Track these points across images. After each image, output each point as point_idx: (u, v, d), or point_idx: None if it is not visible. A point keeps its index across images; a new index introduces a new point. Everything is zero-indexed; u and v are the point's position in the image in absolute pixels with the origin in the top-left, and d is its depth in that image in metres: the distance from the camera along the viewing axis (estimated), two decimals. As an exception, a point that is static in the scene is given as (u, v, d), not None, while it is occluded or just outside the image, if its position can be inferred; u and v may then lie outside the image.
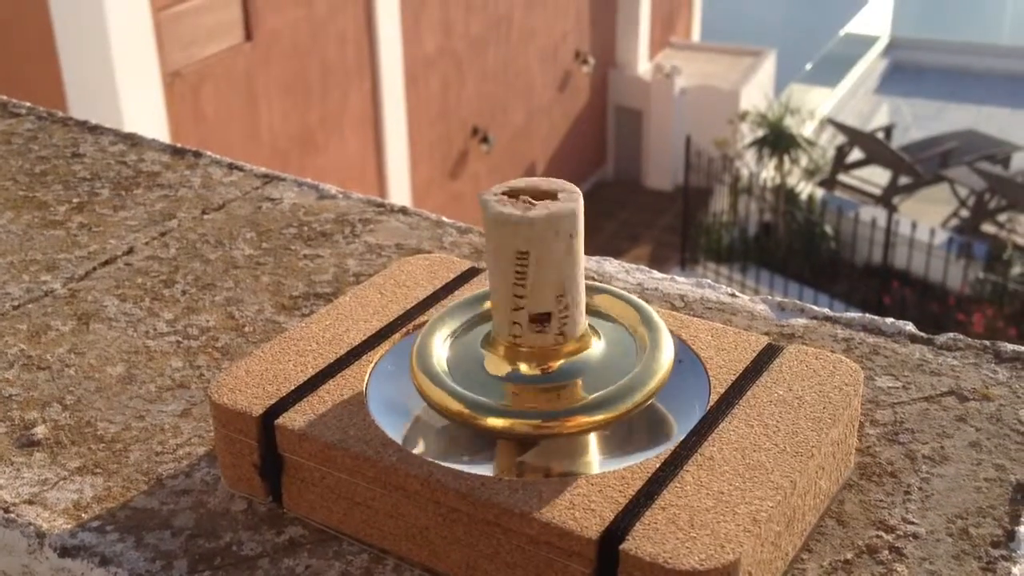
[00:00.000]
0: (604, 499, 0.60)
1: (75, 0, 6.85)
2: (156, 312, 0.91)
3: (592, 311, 0.71)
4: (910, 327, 0.86)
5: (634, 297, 0.73)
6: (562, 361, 0.66)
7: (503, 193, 0.64)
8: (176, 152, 1.21)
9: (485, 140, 11.28)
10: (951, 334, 0.85)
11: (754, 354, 0.72)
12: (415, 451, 0.65)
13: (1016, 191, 10.23)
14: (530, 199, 0.64)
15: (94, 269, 0.98)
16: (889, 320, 0.87)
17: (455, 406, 0.64)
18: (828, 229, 10.12)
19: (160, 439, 0.76)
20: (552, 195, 0.64)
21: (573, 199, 0.64)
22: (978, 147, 11.25)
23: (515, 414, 0.64)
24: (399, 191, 10.04)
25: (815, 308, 0.89)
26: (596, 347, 0.68)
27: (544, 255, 0.63)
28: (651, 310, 0.71)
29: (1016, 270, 9.19)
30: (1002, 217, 10.38)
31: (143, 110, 7.02)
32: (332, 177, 8.76)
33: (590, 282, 0.72)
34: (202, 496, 0.71)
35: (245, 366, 0.72)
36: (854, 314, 0.89)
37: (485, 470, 0.64)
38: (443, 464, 0.63)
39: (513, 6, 11.66)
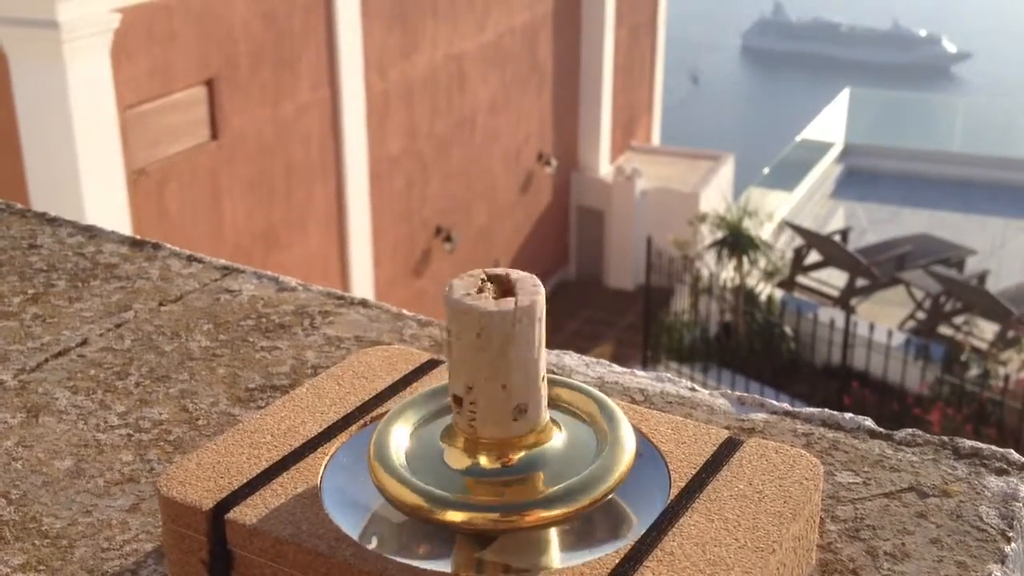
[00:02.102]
0: (563, 596, 0.59)
1: (41, 98, 6.88)
2: (108, 405, 0.90)
3: (554, 403, 0.70)
4: (869, 423, 0.86)
5: (595, 390, 0.72)
6: (522, 453, 0.65)
7: (474, 279, 0.64)
8: (135, 244, 1.20)
9: (448, 239, 11.34)
10: (910, 430, 0.85)
11: (714, 448, 0.72)
12: (370, 547, 0.63)
13: (971, 294, 10.41)
14: (493, 287, 0.64)
15: (46, 361, 0.96)
16: (848, 415, 0.87)
17: (413, 500, 0.63)
18: (787, 330, 10.21)
19: (107, 535, 0.74)
20: (508, 280, 0.64)
21: (501, 303, 0.63)
22: (932, 251, 11.47)
23: (474, 507, 0.63)
24: (362, 288, 10.04)
25: (774, 403, 0.89)
26: (557, 439, 0.67)
27: (460, 340, 0.63)
28: (612, 403, 0.71)
29: (973, 372, 9.28)
30: (958, 319, 10.54)
31: (106, 207, 7.01)
32: (295, 275, 8.70)
33: (552, 375, 0.71)
34: (148, 594, 0.68)
35: (196, 459, 0.70)
36: (813, 409, 0.89)
37: (443, 566, 0.62)
38: (399, 560, 0.62)
39: (477, 109, 11.87)
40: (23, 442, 0.84)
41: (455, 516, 0.62)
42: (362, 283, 10.09)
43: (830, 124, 17.00)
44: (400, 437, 0.69)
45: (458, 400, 0.64)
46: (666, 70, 16.91)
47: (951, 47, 39.17)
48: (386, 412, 0.75)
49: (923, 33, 39.67)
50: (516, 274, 0.65)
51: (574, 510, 0.63)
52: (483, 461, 0.65)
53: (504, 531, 0.63)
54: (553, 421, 0.68)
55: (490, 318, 0.62)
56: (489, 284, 0.64)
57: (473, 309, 0.62)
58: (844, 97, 17.51)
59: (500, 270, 0.65)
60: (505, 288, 0.64)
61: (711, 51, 38.85)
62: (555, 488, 0.63)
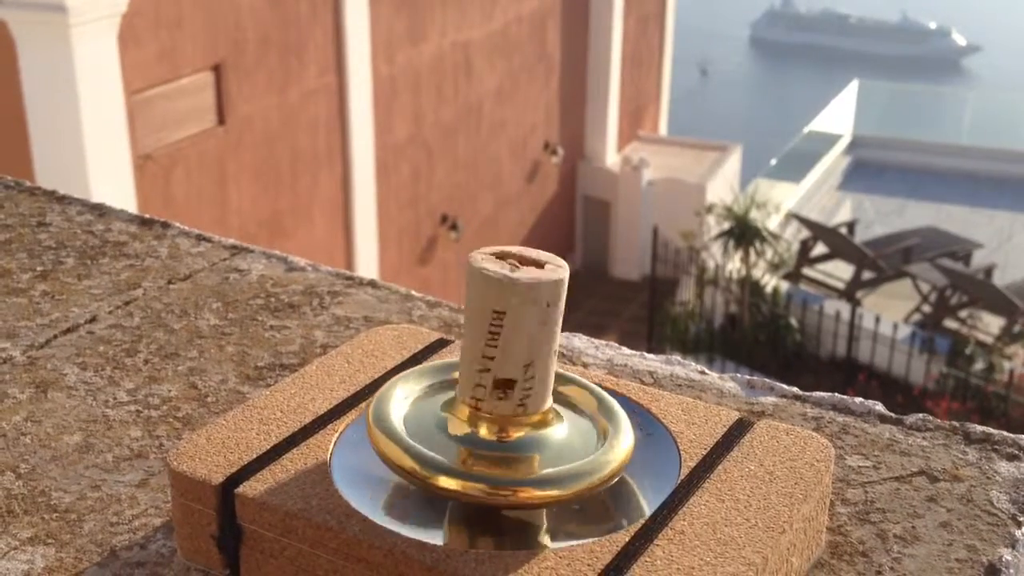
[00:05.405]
0: (572, 573, 0.59)
1: (48, 82, 6.88)
2: (117, 381, 0.90)
3: (559, 399, 0.70)
4: (879, 407, 0.86)
5: (599, 389, 0.72)
6: (522, 433, 0.65)
7: (492, 254, 0.64)
8: (144, 222, 1.20)
9: (454, 228, 11.34)
10: (920, 415, 0.85)
11: (725, 428, 0.72)
12: (379, 522, 0.63)
13: (977, 288, 10.38)
14: (516, 262, 0.64)
15: (55, 337, 0.96)
16: (858, 400, 0.87)
17: (407, 463, 0.63)
18: (793, 322, 10.19)
19: (116, 509, 0.74)
20: (539, 264, 0.64)
21: (558, 271, 0.63)
22: (939, 244, 11.44)
23: (465, 476, 0.63)
24: (367, 275, 10.03)
25: (784, 387, 0.89)
26: (558, 429, 0.67)
27: (519, 319, 0.62)
28: (614, 402, 0.70)
29: (978, 366, 9.27)
30: (963, 313, 10.52)
31: (113, 192, 7.01)
32: (300, 261, 8.73)
33: (560, 371, 0.71)
34: (157, 569, 0.68)
35: (206, 434, 0.70)
36: (823, 393, 0.88)
37: (452, 543, 0.62)
38: (408, 536, 0.62)
39: (483, 97, 11.84)
40: (32, 417, 0.85)
41: (447, 483, 0.62)
42: (367, 270, 10.09)
43: (838, 116, 16.95)
44: (401, 404, 0.69)
45: (509, 383, 0.63)
46: (674, 60, 16.88)
47: (961, 40, 39.03)
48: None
49: (933, 25, 39.54)
50: (540, 253, 0.65)
51: (565, 495, 0.63)
52: (482, 431, 0.65)
53: (494, 505, 0.63)
54: (556, 412, 0.68)
55: (556, 287, 0.62)
56: (512, 259, 0.64)
57: (541, 279, 0.62)
58: (852, 89, 17.46)
59: (498, 248, 0.65)
60: (530, 264, 0.64)
61: (720, 42, 38.75)
62: (548, 471, 0.63)
